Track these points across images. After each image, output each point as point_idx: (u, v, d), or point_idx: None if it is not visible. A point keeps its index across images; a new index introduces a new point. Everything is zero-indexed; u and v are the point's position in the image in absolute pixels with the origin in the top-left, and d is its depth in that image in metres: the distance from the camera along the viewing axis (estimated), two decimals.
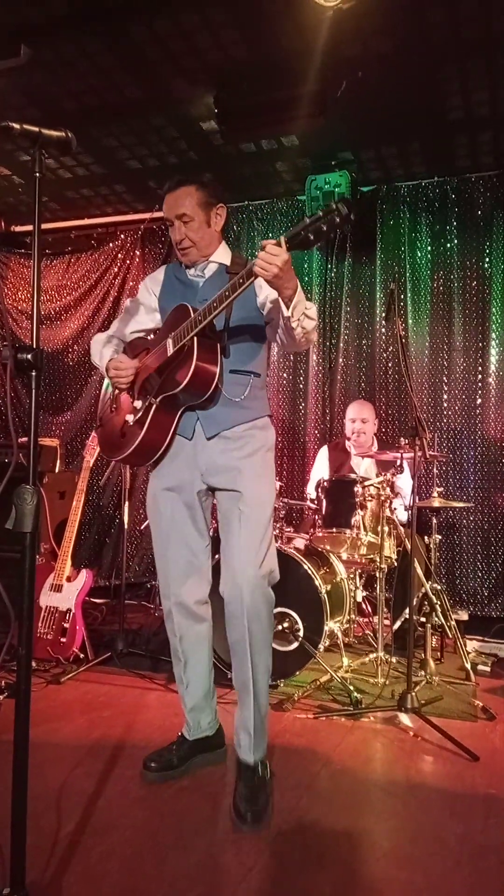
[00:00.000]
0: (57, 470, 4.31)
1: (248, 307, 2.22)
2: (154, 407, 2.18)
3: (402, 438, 3.56)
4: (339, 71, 3.58)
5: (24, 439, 1.54)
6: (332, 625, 3.24)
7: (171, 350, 2.14)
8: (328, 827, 1.99)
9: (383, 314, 4.76)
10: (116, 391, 2.37)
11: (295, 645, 3.14)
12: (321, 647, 3.15)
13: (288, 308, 1.98)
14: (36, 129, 1.48)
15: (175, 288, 2.34)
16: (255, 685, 2.15)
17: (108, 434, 2.39)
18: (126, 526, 3.92)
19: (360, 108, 3.90)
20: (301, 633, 3.14)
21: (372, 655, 3.37)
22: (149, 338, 2.44)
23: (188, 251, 2.26)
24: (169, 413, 2.21)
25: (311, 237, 1.76)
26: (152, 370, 2.23)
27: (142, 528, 5.15)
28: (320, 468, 4.42)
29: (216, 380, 2.12)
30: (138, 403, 2.24)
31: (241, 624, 2.11)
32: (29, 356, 1.39)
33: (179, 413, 2.22)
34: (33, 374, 1.41)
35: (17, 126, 1.46)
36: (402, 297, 4.74)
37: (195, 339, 2.07)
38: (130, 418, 2.25)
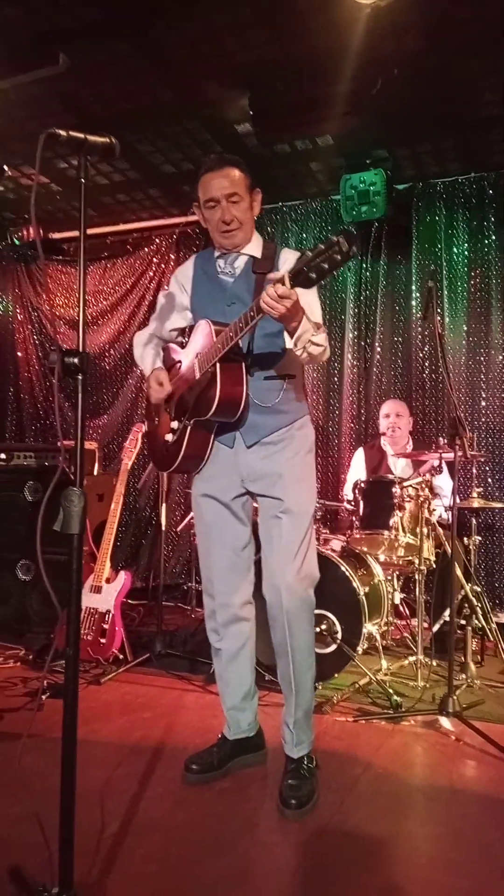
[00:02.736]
0: (95, 473, 4.35)
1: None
2: (189, 428, 2.21)
3: (440, 438, 3.52)
4: (374, 69, 3.55)
5: (67, 443, 1.55)
6: (370, 627, 3.21)
7: (198, 373, 2.16)
8: (371, 831, 1.97)
9: (420, 312, 4.71)
10: (153, 402, 2.39)
11: (333, 647, 3.12)
12: (359, 649, 3.13)
13: (291, 338, 1.98)
14: (82, 135, 1.49)
15: (205, 286, 2.32)
16: (298, 683, 2.18)
17: (155, 449, 2.43)
18: (163, 528, 3.95)
19: (394, 105, 3.87)
20: (339, 636, 3.12)
21: (411, 658, 3.34)
22: (180, 348, 2.44)
23: (235, 233, 2.20)
24: (205, 430, 2.24)
25: (314, 276, 1.70)
26: (184, 389, 2.25)
27: (178, 529, 5.18)
28: (357, 469, 4.40)
29: (243, 401, 2.12)
30: (175, 424, 2.26)
31: (283, 626, 2.15)
32: (76, 360, 1.40)
33: (215, 428, 2.24)
34: (80, 377, 1.42)
35: (63, 133, 1.47)
36: (439, 294, 4.68)
37: (218, 365, 2.07)
38: (170, 437, 2.28)
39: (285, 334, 2.15)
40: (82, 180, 1.52)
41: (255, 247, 2.28)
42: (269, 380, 2.19)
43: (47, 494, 1.41)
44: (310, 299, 1.96)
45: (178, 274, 2.42)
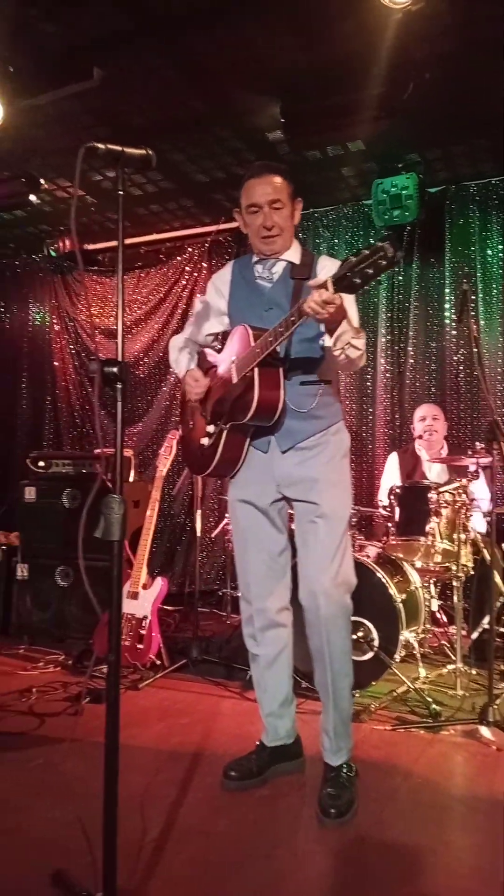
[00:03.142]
0: (131, 479, 4.40)
1: (311, 322, 2.20)
2: (225, 432, 2.22)
3: (477, 443, 3.48)
4: (405, 72, 3.54)
5: (106, 450, 1.57)
6: (407, 634, 3.17)
7: (235, 377, 2.17)
8: (411, 841, 1.95)
9: (454, 316, 4.67)
10: (190, 405, 2.41)
11: (370, 655, 3.09)
12: (397, 657, 3.09)
13: (331, 337, 1.98)
14: (119, 148, 1.52)
15: (242, 291, 2.34)
16: (336, 690, 2.16)
17: (190, 453, 2.45)
18: (198, 534, 3.97)
19: (426, 108, 3.84)
20: (376, 643, 3.09)
21: (450, 667, 3.29)
22: (216, 353, 2.45)
23: (275, 239, 2.22)
24: (241, 435, 2.25)
25: (358, 281, 1.71)
26: (220, 393, 2.26)
27: (212, 535, 5.20)
28: (391, 475, 4.37)
29: (281, 406, 2.13)
30: (211, 428, 2.28)
31: (319, 632, 2.14)
32: (115, 369, 1.43)
33: (251, 432, 2.25)
34: (119, 386, 1.44)
35: (101, 146, 1.50)
36: (474, 297, 4.64)
37: (256, 369, 2.08)
38: (205, 441, 2.29)
39: (322, 339, 2.15)
40: (120, 192, 1.54)
41: (293, 253, 2.29)
42: (305, 385, 2.20)
43: (88, 502, 1.43)
44: (347, 304, 1.96)
45: (216, 279, 2.44)
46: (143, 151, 1.55)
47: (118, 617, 1.43)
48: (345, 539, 2.20)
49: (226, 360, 2.28)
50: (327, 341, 2.00)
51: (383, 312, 5.02)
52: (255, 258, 2.34)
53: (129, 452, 4.49)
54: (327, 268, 2.17)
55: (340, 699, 2.18)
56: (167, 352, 2.53)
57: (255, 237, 2.26)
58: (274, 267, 2.29)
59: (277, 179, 2.19)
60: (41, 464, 4.32)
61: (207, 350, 2.48)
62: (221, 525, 4.76)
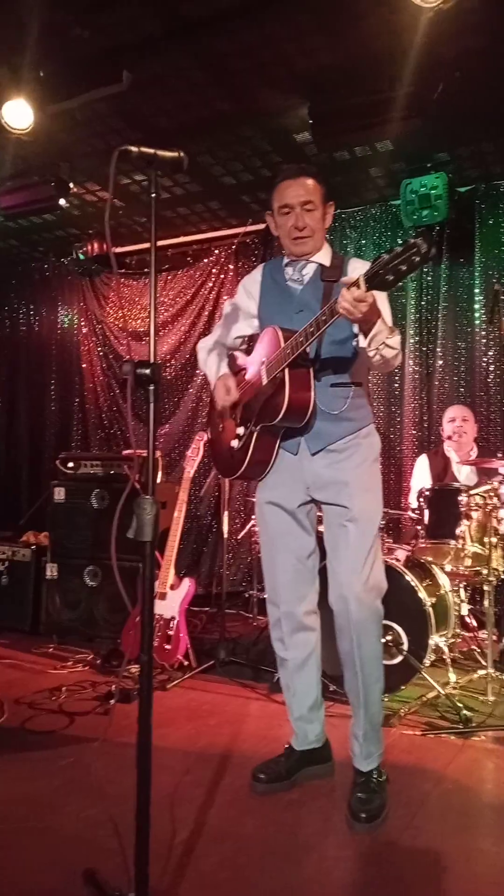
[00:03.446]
0: (158, 481, 4.42)
1: (341, 322, 2.19)
2: (255, 434, 2.22)
3: None
4: (435, 71, 3.50)
5: (139, 452, 1.58)
6: (437, 639, 3.14)
7: (265, 379, 2.17)
8: (443, 848, 1.92)
9: (485, 316, 4.61)
10: (219, 408, 2.41)
11: (399, 659, 3.06)
12: (426, 661, 3.06)
13: (366, 338, 1.96)
14: (152, 151, 1.52)
15: (273, 293, 2.33)
16: (366, 695, 2.15)
17: (219, 455, 2.45)
18: (225, 535, 3.97)
19: (456, 106, 3.80)
20: (405, 647, 3.06)
21: (480, 672, 3.24)
22: (245, 355, 2.45)
23: (306, 241, 2.22)
24: (271, 436, 2.24)
25: (391, 278, 1.70)
26: (250, 396, 2.26)
27: (238, 537, 5.19)
28: (420, 476, 4.32)
29: (311, 406, 2.12)
30: (241, 430, 2.28)
31: (350, 637, 2.13)
32: (147, 371, 1.43)
33: (281, 434, 2.24)
34: (151, 387, 1.45)
35: (134, 149, 1.51)
36: None
37: (286, 370, 2.08)
38: (235, 444, 2.29)
39: (353, 341, 2.13)
40: (153, 195, 1.55)
41: (324, 256, 2.28)
42: (335, 387, 2.18)
43: (121, 502, 1.44)
44: (380, 303, 1.95)
45: (246, 281, 2.44)
46: (175, 154, 1.56)
47: (150, 617, 1.43)
48: (375, 543, 2.18)
49: (255, 362, 2.28)
50: (361, 342, 1.98)
51: (412, 313, 4.98)
52: (285, 260, 2.33)
53: (157, 454, 4.51)
54: (358, 269, 2.15)
55: (371, 704, 2.16)
56: (194, 354, 2.53)
57: (286, 238, 2.25)
58: (304, 269, 2.28)
59: (310, 182, 2.19)
60: (70, 465, 4.36)
61: (237, 353, 2.48)
62: (248, 527, 4.76)
